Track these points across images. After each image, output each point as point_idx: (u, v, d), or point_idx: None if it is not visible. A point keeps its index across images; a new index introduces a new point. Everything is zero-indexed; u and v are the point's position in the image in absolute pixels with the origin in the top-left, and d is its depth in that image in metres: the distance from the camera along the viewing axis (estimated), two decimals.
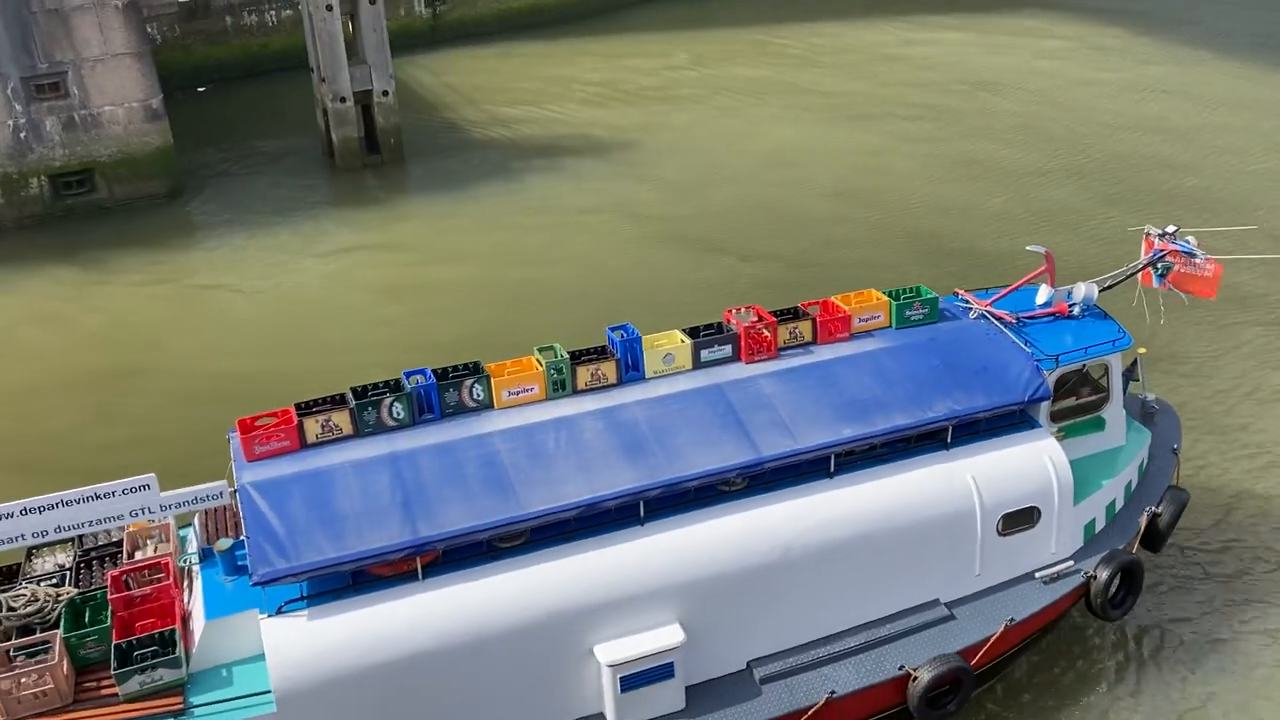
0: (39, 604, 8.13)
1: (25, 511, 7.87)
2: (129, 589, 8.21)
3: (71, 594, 8.24)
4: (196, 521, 8.97)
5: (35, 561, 8.74)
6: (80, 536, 8.88)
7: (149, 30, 21.83)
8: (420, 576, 8.15)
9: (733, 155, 22.33)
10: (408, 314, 16.67)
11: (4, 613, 7.98)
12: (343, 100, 22.01)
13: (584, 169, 22.00)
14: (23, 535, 7.84)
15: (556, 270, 17.79)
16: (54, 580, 8.46)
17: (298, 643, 7.71)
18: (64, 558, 8.76)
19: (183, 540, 9.11)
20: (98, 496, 7.96)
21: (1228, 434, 13.14)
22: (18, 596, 8.19)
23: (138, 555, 8.69)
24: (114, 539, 9.03)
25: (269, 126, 24.49)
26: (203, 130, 24.05)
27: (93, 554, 8.76)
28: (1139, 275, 10.55)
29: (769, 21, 31.48)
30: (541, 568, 8.36)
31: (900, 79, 26.45)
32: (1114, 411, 10.27)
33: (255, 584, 7.71)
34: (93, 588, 8.42)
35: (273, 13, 28.45)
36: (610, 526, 8.54)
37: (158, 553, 8.62)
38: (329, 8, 21.08)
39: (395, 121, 23.01)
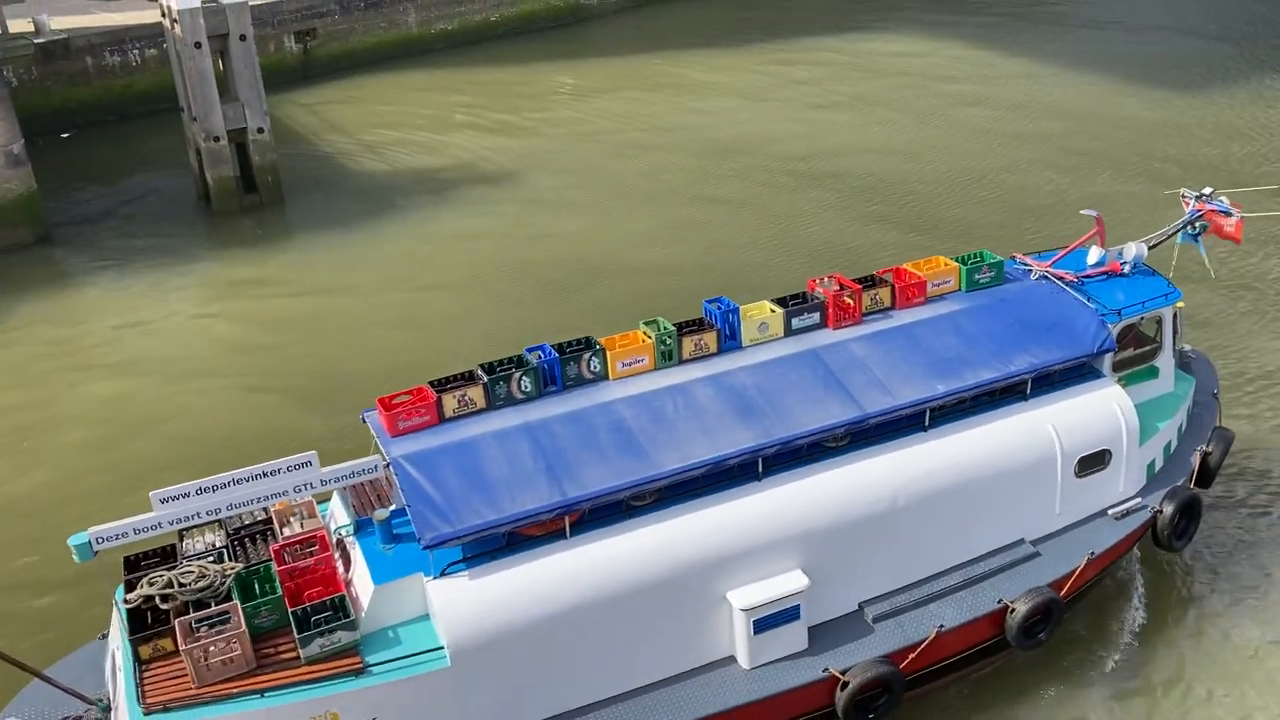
0: (209, 579, 8.69)
1: (200, 491, 8.35)
2: (286, 562, 8.70)
3: (237, 568, 8.74)
4: (337, 498, 9.49)
5: (187, 543, 9.23)
6: (225, 518, 9.26)
7: (4, 73, 21.41)
8: (568, 535, 8.76)
9: (607, 179, 22.71)
10: (278, 346, 17.18)
11: (176, 589, 8.46)
12: (216, 139, 22.04)
13: (464, 195, 22.51)
14: (199, 514, 8.41)
15: (437, 295, 18.28)
16: (210, 559, 8.93)
17: (464, 601, 8.37)
18: (214, 538, 9.30)
19: (323, 515, 9.63)
20: (265, 474, 8.48)
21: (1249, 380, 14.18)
22: (186, 573, 8.71)
23: (285, 532, 9.17)
24: (257, 519, 9.47)
25: (139, 169, 24.36)
26: (70, 175, 23.86)
27: (242, 533, 9.29)
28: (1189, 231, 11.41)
29: (651, 50, 32.02)
30: (674, 522, 9.08)
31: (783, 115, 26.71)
32: (1166, 360, 11.20)
33: (424, 547, 8.33)
34: (251, 563, 8.90)
35: (136, 52, 28.12)
36: (732, 483, 9.28)
37: (305, 528, 9.12)
38: (198, 45, 21.13)
39: (272, 159, 22.97)
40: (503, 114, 26.50)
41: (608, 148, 23.99)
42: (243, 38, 21.61)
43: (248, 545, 9.31)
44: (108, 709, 8.76)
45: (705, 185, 21.66)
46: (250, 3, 21.96)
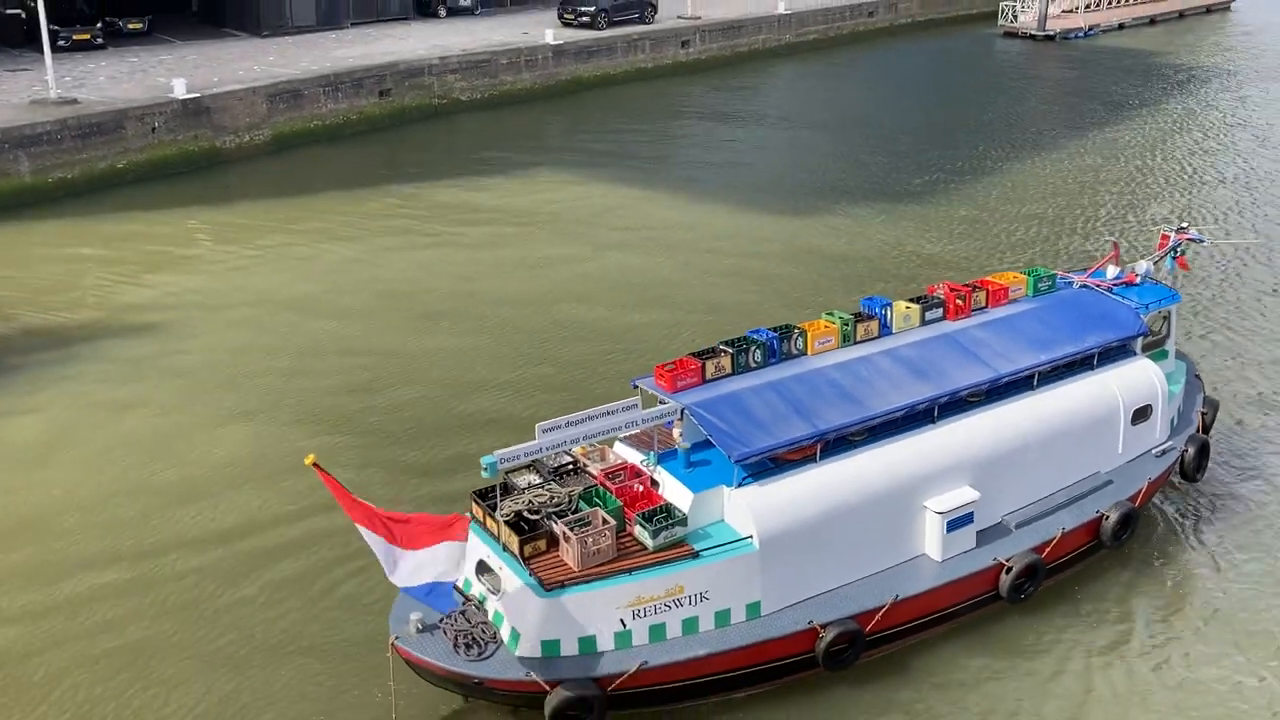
0: (558, 499, 11.53)
1: (568, 424, 11.28)
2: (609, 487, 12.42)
3: (576, 490, 11.64)
4: (620, 445, 12.51)
5: (515, 480, 11.99)
6: (536, 461, 12.10)
7: None
8: (817, 459, 12.04)
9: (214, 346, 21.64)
10: None
11: (539, 505, 12.01)
12: None
13: (100, 353, 21.01)
14: (554, 446, 11.84)
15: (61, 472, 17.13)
16: (548, 487, 11.82)
17: (760, 504, 12.08)
18: (534, 477, 12.09)
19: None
20: (608, 413, 11.47)
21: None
22: (538, 496, 11.72)
23: (592, 468, 12.14)
24: (564, 463, 12.35)
25: None
26: None
27: (558, 471, 12.93)
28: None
29: (295, 195, 31.44)
30: (884, 452, 12.56)
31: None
32: (1171, 345, 15.45)
33: (735, 461, 11.62)
34: (585, 488, 11.83)
35: None
36: (916, 425, 13.15)
37: (608, 463, 12.11)
38: None
39: None
40: (132, 267, 25.49)
41: (232, 314, 23.07)
42: None
43: (564, 480, 12.12)
44: (479, 606, 11.35)
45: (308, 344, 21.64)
46: None
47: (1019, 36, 60.14)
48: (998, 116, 42.83)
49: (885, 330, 14.49)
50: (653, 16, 50.62)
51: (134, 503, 16.07)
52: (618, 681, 11.37)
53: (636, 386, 13.16)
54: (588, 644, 11.45)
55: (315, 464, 10.53)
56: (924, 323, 14.70)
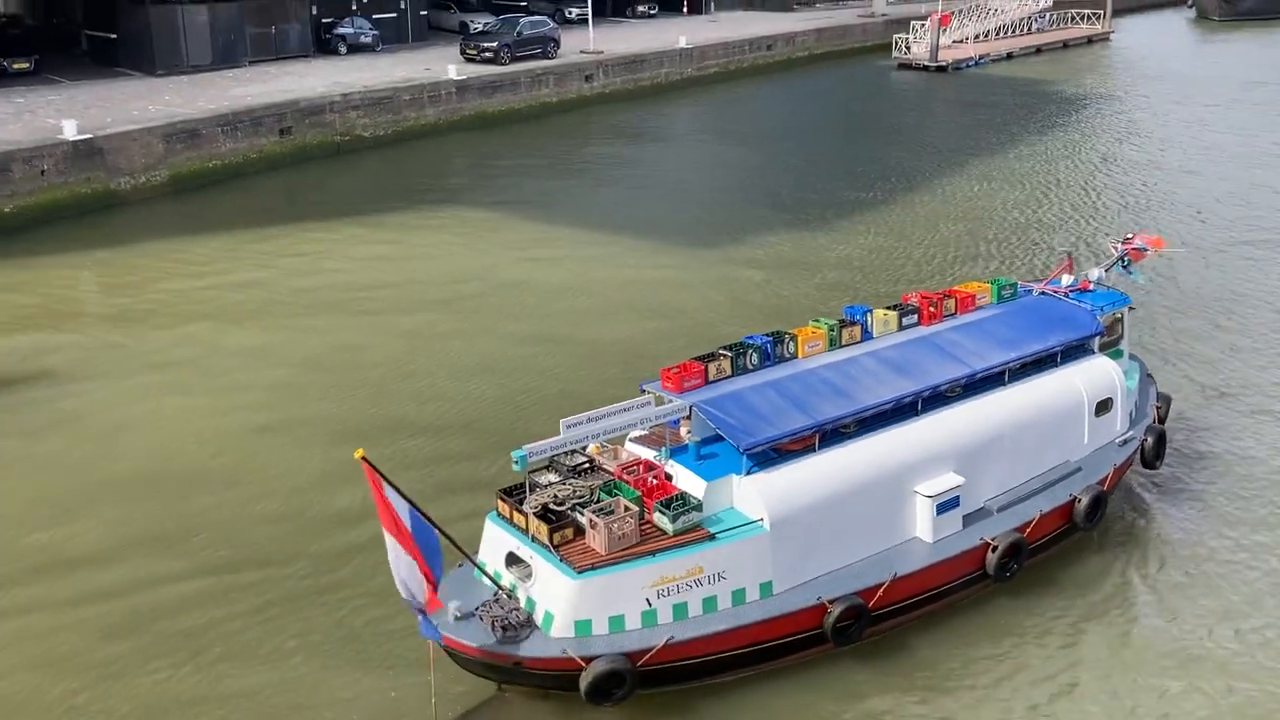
0: (580, 492, 12.45)
1: (589, 420, 12.29)
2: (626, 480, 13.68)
3: (596, 484, 12.54)
4: (630, 444, 13.45)
5: (538, 478, 12.85)
6: (554, 461, 12.99)
7: None
8: (816, 449, 13.09)
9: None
10: None
11: (570, 497, 13.19)
12: None
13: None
14: (578, 440, 13.10)
15: None
16: (568, 482, 12.73)
17: (768, 490, 13.51)
18: (553, 476, 12.98)
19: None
20: (625, 410, 12.43)
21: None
22: (562, 489, 12.63)
23: (607, 465, 13.08)
24: (580, 462, 13.24)
25: None
26: None
27: (575, 469, 14.07)
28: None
29: (197, 235, 31.21)
30: (875, 441, 13.76)
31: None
32: (1125, 344, 16.81)
33: (743, 451, 12.74)
34: (604, 482, 12.75)
35: None
36: (902, 417, 14.47)
37: (621, 461, 13.04)
38: None
39: None
40: (16, 315, 25.12)
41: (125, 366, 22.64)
42: None
43: (582, 476, 13.01)
44: (510, 594, 12.18)
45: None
46: None
47: (913, 68, 63.29)
48: (900, 145, 44.80)
49: (867, 335, 15.66)
50: (556, 52, 52.12)
51: None
52: (646, 656, 12.27)
53: (645, 390, 14.07)
54: (617, 623, 12.32)
55: (364, 458, 11.26)
56: (901, 327, 15.90)
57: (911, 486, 14.43)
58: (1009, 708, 13.29)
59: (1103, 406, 16.42)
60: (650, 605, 12.67)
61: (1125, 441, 16.77)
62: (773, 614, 13.13)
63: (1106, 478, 15.95)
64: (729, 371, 14.56)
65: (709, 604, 12.97)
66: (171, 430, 19.93)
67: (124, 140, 34.27)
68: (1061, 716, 13.18)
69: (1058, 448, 16.01)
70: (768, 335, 15.23)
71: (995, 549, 14.53)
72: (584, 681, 12.27)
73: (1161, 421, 17.69)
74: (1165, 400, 18.12)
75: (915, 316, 16.31)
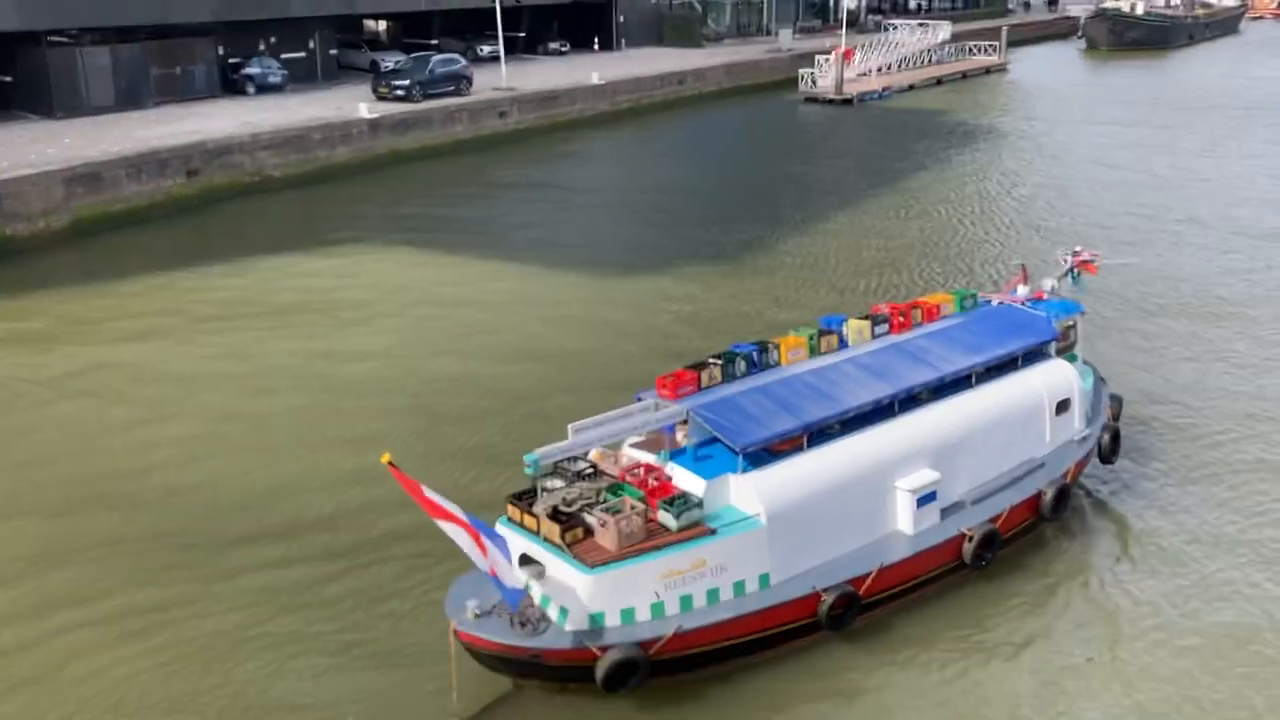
0: (587, 494, 13.23)
1: (596, 424, 13.13)
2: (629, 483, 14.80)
3: (602, 486, 13.32)
4: (628, 449, 14.22)
5: (544, 483, 13.63)
6: (559, 467, 13.77)
7: None
8: (805, 448, 13.99)
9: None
10: None
11: (578, 499, 14.06)
12: None
13: None
14: (586, 444, 14.14)
15: None
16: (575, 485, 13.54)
17: (763, 487, 14.65)
18: (559, 481, 13.75)
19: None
20: (628, 415, 13.26)
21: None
22: (570, 492, 13.45)
23: (610, 469, 13.87)
24: (582, 468, 14.01)
25: None
26: None
27: (579, 474, 15.04)
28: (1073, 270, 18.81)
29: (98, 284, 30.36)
30: (858, 440, 14.68)
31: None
32: (1079, 349, 17.91)
33: (740, 450, 13.60)
34: (609, 485, 13.56)
35: None
36: (880, 417, 15.61)
37: (623, 465, 13.84)
38: None
39: None
40: None
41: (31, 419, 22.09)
42: None
43: (586, 479, 13.79)
44: (524, 592, 12.96)
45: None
46: None
47: (819, 101, 65.65)
48: (811, 176, 46.14)
49: (843, 343, 16.63)
50: (469, 89, 52.57)
51: None
52: (657, 645, 13.07)
53: (640, 398, 14.87)
54: (628, 614, 13.12)
55: (390, 463, 11.92)
56: (874, 336, 16.90)
57: (892, 482, 15.53)
58: (989, 681, 14.51)
59: (1062, 406, 17.57)
60: (659, 597, 13.54)
61: (1083, 439, 17.97)
62: (771, 603, 14.28)
63: (1069, 472, 17.13)
64: (720, 378, 15.48)
65: (712, 595, 13.99)
66: (92, 461, 19.73)
67: (20, 185, 33.35)
68: (1035, 687, 14.40)
69: (1023, 445, 17.15)
70: (754, 344, 16.17)
71: (971, 539, 15.62)
72: (600, 670, 13.05)
73: (1115, 420, 18.89)
74: (1117, 401, 19.44)
75: (886, 326, 17.38)
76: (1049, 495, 16.93)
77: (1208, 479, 19.33)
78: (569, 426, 14.11)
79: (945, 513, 16.16)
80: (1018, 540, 16.90)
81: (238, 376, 23.84)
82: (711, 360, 15.99)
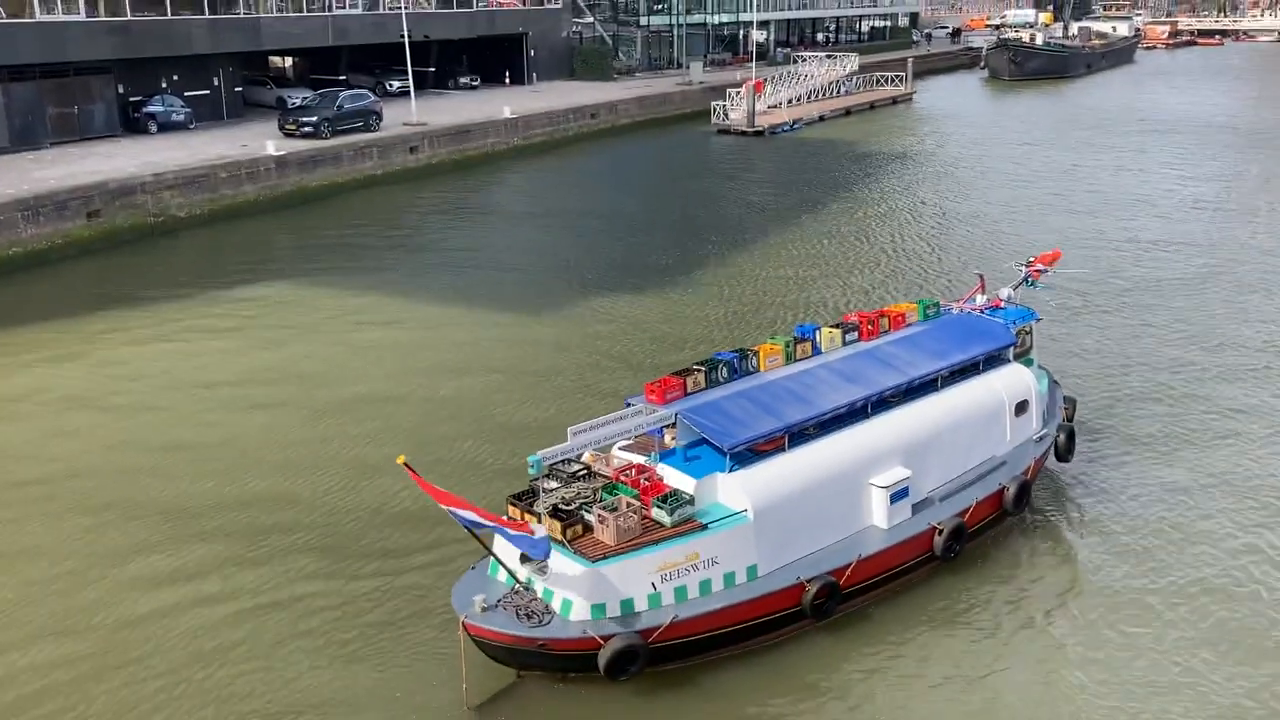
0: (584, 493, 14.04)
1: (592, 427, 13.97)
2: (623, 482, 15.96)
3: (598, 486, 14.15)
4: (618, 451, 15.04)
5: (541, 484, 14.43)
6: (553, 466, 14.62)
7: None
8: (786, 448, 14.92)
9: None
10: None
11: (571, 498, 15.04)
12: None
13: None
14: (584, 445, 15.14)
15: None
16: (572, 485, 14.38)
17: (749, 484, 15.80)
18: (554, 483, 14.54)
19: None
20: (621, 418, 14.11)
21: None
22: (568, 491, 14.16)
23: (603, 470, 14.72)
24: (576, 469, 14.83)
25: None
26: None
27: (573, 475, 16.10)
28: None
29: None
30: (834, 440, 15.68)
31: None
32: (1034, 354, 19.03)
33: (728, 450, 14.64)
34: (605, 484, 14.41)
35: None
36: (855, 419, 16.67)
37: (612, 466, 14.68)
38: None
39: None
40: None
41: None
42: None
43: (581, 480, 14.61)
44: (528, 587, 13.69)
45: None
46: None
47: (731, 133, 67.38)
48: (725, 205, 47.30)
49: (816, 350, 17.64)
50: (378, 124, 52.86)
51: None
52: (655, 634, 13.89)
53: (630, 403, 15.70)
54: (628, 605, 13.98)
55: (406, 464, 12.63)
56: (845, 343, 17.90)
57: (867, 479, 16.54)
58: (960, 663, 15.75)
59: (1021, 407, 18.71)
60: (655, 589, 14.45)
61: (1041, 438, 19.17)
62: (760, 593, 15.32)
63: (1029, 469, 18.26)
64: (704, 384, 16.38)
65: (704, 586, 14.90)
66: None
67: None
68: (1003, 668, 15.60)
69: (985, 444, 18.29)
70: (734, 351, 17.10)
71: (941, 532, 16.70)
72: (603, 657, 13.88)
73: (1070, 421, 20.05)
74: (1071, 402, 20.73)
75: (856, 334, 18.41)
76: (1011, 491, 18.29)
77: (1155, 472, 20.90)
78: (568, 429, 15.24)
79: (916, 508, 17.44)
80: (984, 533, 18.27)
81: (143, 427, 22.87)
82: (695, 367, 17.14)
